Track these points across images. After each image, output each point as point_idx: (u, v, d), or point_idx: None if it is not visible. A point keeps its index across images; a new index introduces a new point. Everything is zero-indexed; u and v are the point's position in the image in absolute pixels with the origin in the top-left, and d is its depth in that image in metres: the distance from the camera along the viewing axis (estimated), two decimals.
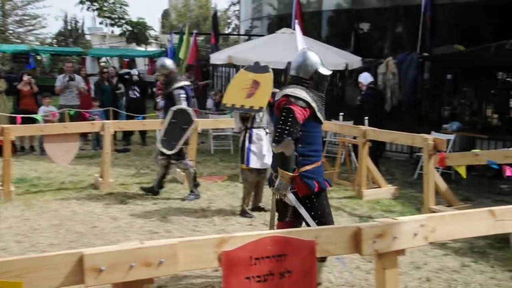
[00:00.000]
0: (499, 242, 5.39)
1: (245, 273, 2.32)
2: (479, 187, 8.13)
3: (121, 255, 2.02)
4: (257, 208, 6.60)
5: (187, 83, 7.33)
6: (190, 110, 7.00)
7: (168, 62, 7.17)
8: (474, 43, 9.81)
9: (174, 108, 6.79)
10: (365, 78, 8.73)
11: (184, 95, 6.96)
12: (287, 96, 3.78)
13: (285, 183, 3.79)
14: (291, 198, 3.86)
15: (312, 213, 3.87)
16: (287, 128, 3.68)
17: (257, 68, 6.38)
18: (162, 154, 7.00)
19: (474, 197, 7.44)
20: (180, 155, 7.00)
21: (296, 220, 4.05)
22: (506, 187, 7.70)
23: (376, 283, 2.69)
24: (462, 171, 6.13)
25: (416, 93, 10.40)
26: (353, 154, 8.47)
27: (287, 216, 4.13)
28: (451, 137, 8.78)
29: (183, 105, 6.91)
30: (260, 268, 2.35)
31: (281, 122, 3.72)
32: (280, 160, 3.76)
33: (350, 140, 8.37)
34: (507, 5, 14.20)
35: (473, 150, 6.47)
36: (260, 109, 6.10)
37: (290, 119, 3.70)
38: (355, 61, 10.98)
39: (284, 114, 3.72)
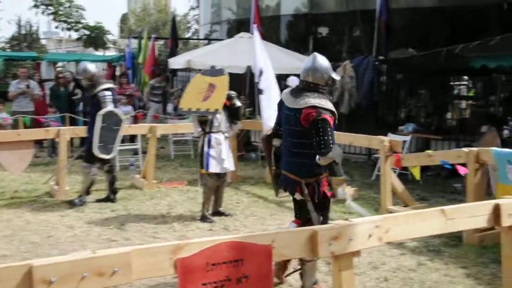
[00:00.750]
0: (453, 240, 5.55)
1: (201, 280, 2.31)
2: (434, 187, 8.35)
3: (73, 265, 1.97)
4: (217, 213, 6.58)
5: (111, 85, 7.30)
6: (117, 111, 7.05)
7: (90, 66, 7.14)
8: (427, 47, 10.09)
9: (101, 112, 6.73)
10: (292, 81, 8.69)
11: (110, 97, 6.93)
12: (314, 107, 3.86)
13: (343, 187, 3.98)
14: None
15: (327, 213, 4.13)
16: (330, 137, 3.82)
17: (213, 71, 6.45)
18: (89, 161, 6.95)
19: (429, 196, 7.62)
20: (94, 158, 6.91)
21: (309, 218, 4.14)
22: (459, 186, 7.93)
23: (333, 284, 2.72)
24: (416, 172, 6.28)
25: (373, 96, 10.59)
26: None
27: (297, 212, 4.32)
28: (407, 138, 8.99)
29: (110, 107, 6.88)
30: (216, 274, 2.34)
31: (321, 133, 3.81)
32: (332, 168, 3.87)
33: None
34: (457, 10, 14.69)
35: (427, 151, 6.64)
36: (216, 111, 6.12)
37: (329, 129, 3.84)
38: None
39: (320, 125, 3.83)
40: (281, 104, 4.24)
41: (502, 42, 6.53)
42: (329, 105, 3.94)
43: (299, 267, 4.22)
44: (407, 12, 15.40)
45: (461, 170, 5.69)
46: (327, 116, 3.87)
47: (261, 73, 7.56)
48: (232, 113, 6.50)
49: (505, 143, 7.26)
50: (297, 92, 4.06)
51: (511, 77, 11.88)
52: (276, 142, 4.36)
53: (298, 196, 4.13)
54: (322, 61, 4.09)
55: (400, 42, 13.64)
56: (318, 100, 3.92)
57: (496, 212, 3.03)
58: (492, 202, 3.09)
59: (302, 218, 4.18)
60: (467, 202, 5.10)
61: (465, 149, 5.67)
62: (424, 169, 8.52)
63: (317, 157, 3.87)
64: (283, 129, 4.19)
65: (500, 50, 6.67)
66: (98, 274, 2.02)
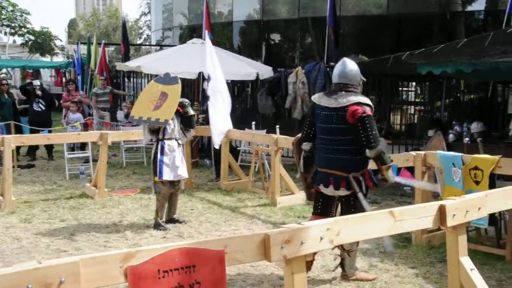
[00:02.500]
0: (403, 241, 5.70)
1: (153, 287, 2.27)
2: (385, 190, 8.51)
3: (16, 277, 1.90)
4: (171, 220, 6.51)
5: None
6: None
7: None
8: (375, 54, 10.35)
9: None
10: None
11: None
12: (359, 104, 4.19)
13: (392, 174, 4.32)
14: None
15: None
16: (376, 132, 4.19)
17: (166, 79, 6.38)
18: None
19: (380, 199, 7.80)
20: None
21: (328, 213, 4.42)
22: (408, 189, 8.14)
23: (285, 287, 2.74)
24: None
25: None
26: (266, 162, 8.61)
27: (319, 210, 4.53)
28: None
29: None
30: (168, 281, 2.31)
31: (369, 128, 4.14)
32: (382, 158, 4.22)
33: (263, 149, 8.50)
34: (403, 19, 15.17)
35: None
36: (165, 121, 6.08)
37: (374, 124, 4.21)
38: (266, 71, 11.19)
39: (368, 121, 4.15)
40: (313, 109, 4.50)
41: (445, 50, 6.77)
42: (369, 101, 4.29)
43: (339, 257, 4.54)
44: (356, 19, 15.80)
45: (404, 176, 5.94)
46: (370, 111, 4.22)
47: (209, 79, 7.55)
48: (185, 121, 6.47)
49: (450, 147, 7.52)
50: (333, 93, 4.36)
51: (456, 83, 12.33)
52: (306, 146, 4.59)
53: (343, 192, 4.31)
54: (353, 64, 4.45)
55: (351, 48, 13.95)
56: (359, 97, 4.28)
57: (442, 213, 3.13)
58: (438, 203, 3.19)
59: (327, 214, 4.35)
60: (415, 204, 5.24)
61: (413, 153, 5.86)
62: (374, 172, 8.71)
63: (367, 151, 4.18)
64: (321, 129, 4.40)
65: (444, 57, 6.92)
66: (44, 285, 1.96)
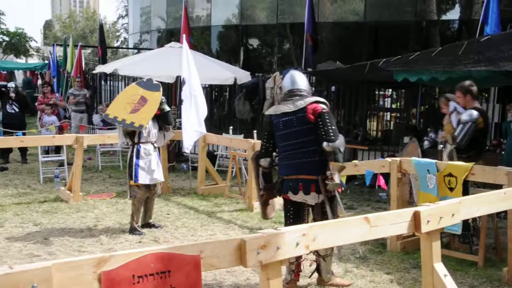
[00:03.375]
0: (378, 247, 5.75)
1: None
2: (361, 196, 8.61)
3: None
4: (147, 225, 6.45)
5: None
6: None
7: None
8: (352, 60, 10.45)
9: None
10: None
11: None
12: (318, 102, 4.28)
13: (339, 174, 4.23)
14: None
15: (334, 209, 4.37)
16: (336, 128, 4.24)
17: (148, 84, 6.33)
18: None
19: (356, 205, 7.86)
20: None
21: (301, 221, 4.37)
22: (384, 195, 8.23)
23: None
24: (343, 181, 6.44)
25: None
26: (243, 167, 8.60)
27: (291, 219, 4.47)
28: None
29: None
30: (143, 286, 2.29)
31: (328, 123, 4.21)
32: (334, 156, 4.19)
33: (241, 154, 8.49)
34: (380, 26, 15.38)
35: (354, 161, 6.85)
36: (140, 126, 6.04)
37: (334, 121, 4.29)
38: (244, 76, 11.20)
39: (327, 116, 4.23)
40: (270, 120, 4.47)
41: (420, 57, 6.88)
42: (325, 100, 4.39)
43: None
44: (333, 26, 15.96)
45: (381, 182, 6.00)
46: (328, 109, 4.31)
47: (183, 83, 7.53)
48: (163, 118, 6.41)
49: (425, 154, 7.62)
50: (287, 100, 4.41)
51: (431, 91, 12.53)
52: (264, 162, 4.54)
53: (313, 197, 4.30)
54: (302, 75, 4.66)
55: (328, 54, 14.07)
56: (315, 97, 4.39)
57: (416, 219, 3.16)
58: (412, 209, 3.23)
59: (300, 222, 4.27)
60: (390, 210, 5.29)
61: (389, 159, 5.92)
62: (350, 178, 8.79)
63: (325, 143, 4.17)
64: (282, 136, 4.39)
65: (419, 65, 7.02)
66: None
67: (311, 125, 4.25)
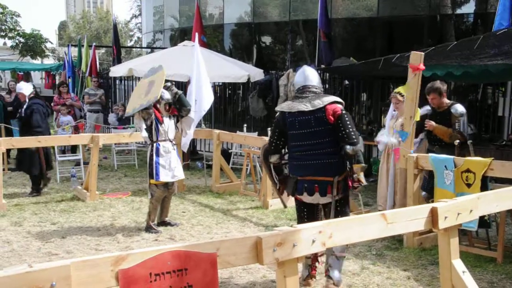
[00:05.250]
0: (395, 243, 5.71)
1: None
2: (376, 192, 8.53)
3: (7, 281, 1.87)
4: (163, 223, 6.49)
5: None
6: None
7: None
8: (366, 56, 10.39)
9: None
10: (26, 89, 8.45)
11: None
12: (336, 102, 4.18)
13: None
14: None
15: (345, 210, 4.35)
16: (355, 129, 4.18)
17: (152, 71, 6.52)
18: None
19: (372, 202, 7.81)
20: None
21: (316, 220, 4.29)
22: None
23: None
24: (361, 178, 6.41)
25: None
26: (257, 164, 8.60)
27: (305, 219, 4.38)
28: None
29: None
30: (160, 284, 2.29)
31: (349, 125, 4.12)
32: (357, 158, 4.17)
33: (255, 151, 8.49)
34: (393, 21, 15.26)
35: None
36: (155, 98, 6.06)
37: (353, 122, 4.22)
38: (257, 73, 11.19)
39: (347, 118, 4.14)
40: (283, 117, 4.33)
41: (435, 52, 6.80)
42: (341, 100, 4.27)
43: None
44: (346, 22, 15.87)
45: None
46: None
47: (189, 82, 7.55)
48: (178, 102, 6.39)
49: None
50: (302, 97, 4.27)
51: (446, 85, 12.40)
52: (273, 158, 4.49)
53: (328, 199, 4.23)
54: (314, 71, 4.49)
55: (341, 51, 14.00)
56: (332, 97, 4.25)
57: (433, 215, 3.13)
58: (429, 205, 3.19)
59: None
60: (407, 207, 5.25)
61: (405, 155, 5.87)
62: (366, 175, 8.73)
63: (347, 147, 4.11)
64: (297, 136, 4.26)
65: (433, 60, 6.95)
66: None
67: (329, 126, 4.15)
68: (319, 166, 4.21)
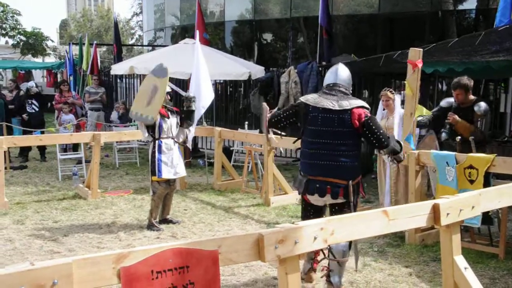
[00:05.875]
0: (396, 240, 5.71)
1: None
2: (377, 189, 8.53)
3: (9, 279, 1.88)
4: (165, 221, 6.49)
5: None
6: None
7: None
8: (367, 53, 10.37)
9: None
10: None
11: None
12: (362, 107, 4.12)
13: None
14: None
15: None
16: (383, 130, 4.20)
17: (158, 70, 6.30)
18: None
19: (374, 199, 7.80)
20: None
21: None
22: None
23: (279, 287, 2.73)
24: None
25: None
26: (259, 162, 8.60)
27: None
28: None
29: None
30: (162, 281, 2.30)
31: (375, 130, 4.10)
32: (394, 151, 4.28)
33: (256, 149, 8.50)
34: (395, 18, 15.22)
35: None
36: (151, 119, 6.04)
37: (379, 124, 4.21)
38: (258, 71, 11.18)
39: (372, 123, 4.10)
40: (306, 110, 4.19)
41: (437, 49, 6.79)
42: (367, 105, 4.23)
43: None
44: (347, 19, 15.84)
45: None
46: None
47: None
48: (185, 114, 6.48)
49: (443, 146, 7.54)
50: (331, 95, 4.20)
51: (448, 82, 12.36)
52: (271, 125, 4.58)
53: (339, 200, 4.18)
54: (347, 70, 4.38)
55: (342, 47, 13.98)
56: (359, 101, 4.20)
57: (435, 211, 3.13)
58: (431, 202, 3.19)
59: None
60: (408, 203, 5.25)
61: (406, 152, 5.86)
62: (368, 171, 8.74)
63: (382, 151, 4.29)
64: (316, 132, 4.14)
65: (435, 56, 6.94)
66: (37, 286, 1.94)
67: (352, 130, 4.08)
68: (333, 167, 4.10)
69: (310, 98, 4.24)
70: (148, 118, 6.06)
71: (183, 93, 6.99)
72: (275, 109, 4.76)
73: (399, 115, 6.36)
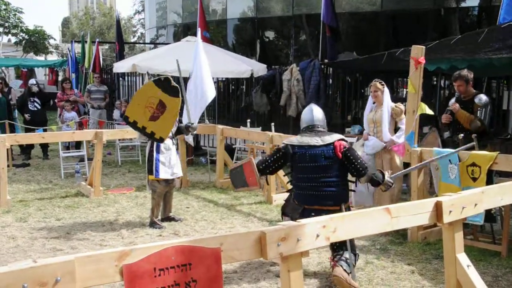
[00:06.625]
0: (399, 238, 5.70)
1: (149, 285, 2.26)
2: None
3: (12, 276, 1.88)
4: (167, 219, 6.50)
5: None
6: None
7: None
8: (369, 50, 10.36)
9: None
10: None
11: None
12: (342, 139, 4.53)
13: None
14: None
15: None
16: (361, 160, 4.51)
17: (167, 87, 5.84)
18: None
19: None
20: None
21: None
22: (404, 185, 8.15)
23: (281, 285, 2.73)
24: None
25: (320, 99, 10.75)
26: None
27: None
28: (354, 140, 9.17)
29: None
30: (164, 279, 2.30)
31: (353, 160, 4.43)
32: (374, 182, 4.50)
33: (258, 146, 8.50)
34: (397, 15, 15.18)
35: None
36: (161, 139, 5.99)
37: (357, 154, 4.53)
38: (261, 68, 11.18)
39: (349, 154, 4.44)
40: (292, 151, 4.53)
41: (439, 46, 6.78)
42: (343, 136, 4.68)
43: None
44: (349, 16, 15.81)
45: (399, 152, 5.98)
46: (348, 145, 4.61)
47: (189, 77, 7.53)
48: (179, 130, 6.59)
49: (445, 143, 7.53)
50: (313, 133, 4.59)
51: (451, 79, 12.34)
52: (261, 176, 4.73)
53: None
54: (319, 109, 4.80)
55: (344, 45, 13.95)
56: (338, 134, 4.64)
57: (438, 209, 3.12)
58: (434, 199, 3.18)
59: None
60: (411, 201, 5.24)
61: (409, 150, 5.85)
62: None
63: (361, 179, 4.49)
64: (305, 168, 4.48)
65: (437, 54, 6.92)
66: (39, 284, 1.94)
67: (337, 160, 4.45)
68: (327, 196, 4.47)
69: (294, 139, 4.67)
70: (155, 137, 5.92)
71: (191, 118, 6.92)
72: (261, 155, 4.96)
73: (387, 108, 6.37)
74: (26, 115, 10.84)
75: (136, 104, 5.94)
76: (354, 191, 4.92)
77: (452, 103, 6.19)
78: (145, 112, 5.84)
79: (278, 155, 4.67)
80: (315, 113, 4.72)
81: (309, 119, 4.71)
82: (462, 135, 5.93)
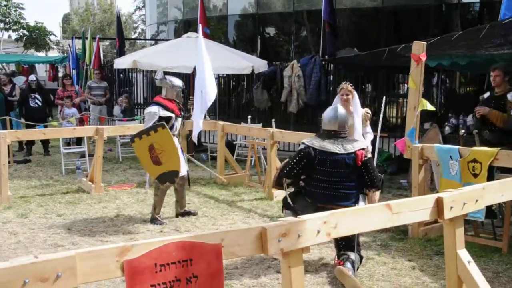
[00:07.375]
0: (400, 234, 5.71)
1: (150, 281, 2.26)
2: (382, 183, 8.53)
3: (12, 272, 1.88)
4: (185, 213, 6.50)
5: None
6: None
7: None
8: (371, 46, 10.34)
9: None
10: None
11: None
12: (363, 149, 4.55)
13: None
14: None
15: None
16: (377, 171, 4.62)
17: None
18: None
19: None
20: None
21: None
22: (405, 181, 8.16)
23: (282, 281, 2.74)
24: None
25: (320, 95, 10.75)
26: (262, 156, 8.60)
27: None
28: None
29: None
30: (165, 274, 2.30)
31: (371, 170, 4.52)
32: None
33: (259, 142, 8.49)
34: (398, 11, 15.15)
35: None
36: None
37: (374, 164, 4.69)
38: (261, 65, 11.16)
39: (369, 164, 4.53)
40: (314, 154, 4.50)
41: (440, 42, 6.76)
42: (364, 146, 4.72)
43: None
44: (351, 12, 15.78)
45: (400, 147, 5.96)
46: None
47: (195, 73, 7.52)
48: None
49: (446, 139, 7.53)
50: (335, 139, 4.57)
51: (452, 75, 12.34)
52: (287, 181, 4.68)
53: None
54: (343, 113, 4.68)
55: (345, 41, 13.94)
56: (360, 143, 4.69)
57: (439, 205, 3.12)
58: (435, 195, 3.18)
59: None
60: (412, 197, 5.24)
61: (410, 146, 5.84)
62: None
63: (370, 189, 4.66)
64: (325, 172, 4.49)
65: (439, 50, 6.91)
66: (40, 279, 1.94)
67: (357, 168, 4.50)
68: (341, 196, 4.51)
69: (315, 142, 4.59)
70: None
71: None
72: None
73: (359, 113, 5.82)
74: (22, 119, 10.74)
75: (144, 165, 6.16)
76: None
77: (483, 98, 5.98)
78: (149, 162, 5.96)
79: (300, 155, 4.60)
80: (339, 118, 4.62)
81: (333, 123, 4.61)
82: (486, 131, 5.82)
